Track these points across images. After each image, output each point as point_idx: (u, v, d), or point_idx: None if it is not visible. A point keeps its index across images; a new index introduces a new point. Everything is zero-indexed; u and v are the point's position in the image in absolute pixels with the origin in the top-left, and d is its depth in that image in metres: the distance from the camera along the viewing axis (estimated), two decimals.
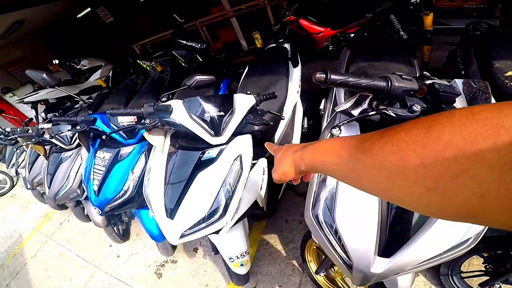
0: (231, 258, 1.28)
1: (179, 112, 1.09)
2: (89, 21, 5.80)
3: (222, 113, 1.11)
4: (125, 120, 1.44)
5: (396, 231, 0.74)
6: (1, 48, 5.54)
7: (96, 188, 1.46)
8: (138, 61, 4.37)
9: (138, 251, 2.34)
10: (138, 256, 2.30)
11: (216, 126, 1.10)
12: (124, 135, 1.48)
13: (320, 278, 1.43)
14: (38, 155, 2.41)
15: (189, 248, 2.15)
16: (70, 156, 1.91)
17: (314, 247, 1.39)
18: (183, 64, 3.35)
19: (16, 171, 3.21)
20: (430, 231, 0.70)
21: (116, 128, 1.44)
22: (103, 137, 1.58)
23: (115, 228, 2.27)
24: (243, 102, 1.17)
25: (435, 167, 0.19)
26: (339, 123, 0.78)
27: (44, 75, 1.32)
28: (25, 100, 4.15)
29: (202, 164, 1.11)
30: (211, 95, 1.15)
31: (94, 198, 1.46)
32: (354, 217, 0.77)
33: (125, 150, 1.49)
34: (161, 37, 5.28)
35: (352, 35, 3.44)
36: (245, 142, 1.15)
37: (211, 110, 1.10)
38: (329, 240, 0.80)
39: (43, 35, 6.28)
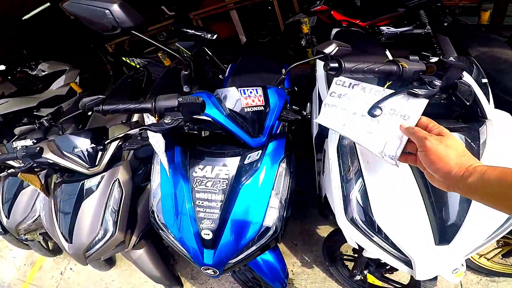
0: (456, 269, 0.90)
1: None
2: (45, 19, 4.76)
3: None
4: (253, 104, 0.87)
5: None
6: None
7: (209, 237, 0.82)
8: (124, 58, 3.61)
9: None
10: None
11: None
12: (249, 130, 0.88)
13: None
14: (18, 191, 1.56)
15: None
16: (97, 185, 1.16)
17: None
18: (185, 56, 2.80)
19: None
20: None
21: (233, 114, 0.85)
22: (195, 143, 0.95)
23: None
24: None
25: None
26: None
27: None
28: None
29: None
30: None
31: (206, 254, 0.81)
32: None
33: (252, 157, 0.88)
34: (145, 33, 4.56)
35: (384, 27, 3.34)
36: None
37: None
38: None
39: None
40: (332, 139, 0.86)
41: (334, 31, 2.04)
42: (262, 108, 0.91)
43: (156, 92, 2.21)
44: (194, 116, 0.81)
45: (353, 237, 0.81)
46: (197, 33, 2.75)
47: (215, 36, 2.69)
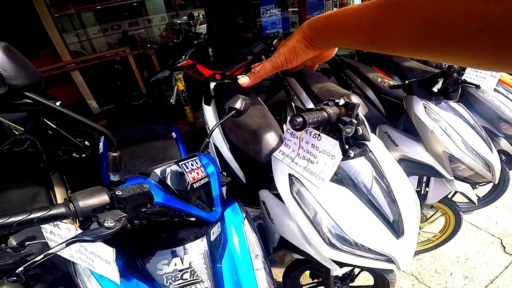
0: None
1: None
2: None
3: None
4: (198, 177, 0.82)
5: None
6: None
7: None
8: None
9: None
10: None
11: None
12: (203, 205, 0.83)
13: None
14: None
15: None
16: None
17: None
18: (17, 134, 2.25)
19: None
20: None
21: (183, 194, 0.78)
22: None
23: None
24: None
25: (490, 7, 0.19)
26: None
27: None
28: None
29: None
30: None
31: None
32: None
33: (215, 232, 0.84)
34: None
35: (240, 76, 3.98)
36: None
37: None
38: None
39: None
40: (282, 189, 0.96)
41: (212, 85, 2.25)
42: (206, 179, 0.89)
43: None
44: (143, 210, 0.69)
45: (339, 258, 0.92)
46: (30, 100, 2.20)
47: (58, 103, 2.26)
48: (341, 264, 1.02)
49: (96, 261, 0.72)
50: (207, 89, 2.21)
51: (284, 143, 0.99)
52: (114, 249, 0.66)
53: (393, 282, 1.23)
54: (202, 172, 0.87)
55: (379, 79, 2.23)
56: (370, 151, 1.01)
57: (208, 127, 1.86)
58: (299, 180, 0.93)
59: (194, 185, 0.82)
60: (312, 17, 0.41)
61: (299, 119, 0.75)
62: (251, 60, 4.02)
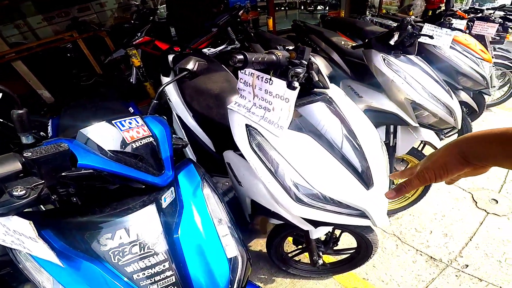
0: None
1: None
2: None
3: None
4: (139, 136, 0.70)
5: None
6: None
7: None
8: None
9: None
10: None
11: None
12: (149, 168, 0.71)
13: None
14: None
15: None
16: None
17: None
18: None
19: None
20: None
21: (120, 156, 0.67)
22: None
23: None
24: None
25: None
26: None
27: None
28: None
29: None
30: None
31: None
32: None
33: (168, 198, 0.73)
34: None
35: (205, 49, 3.77)
36: None
37: None
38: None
39: None
40: (241, 142, 0.87)
41: (171, 57, 2.08)
42: (151, 139, 0.77)
43: None
44: (63, 174, 0.56)
45: (309, 216, 0.84)
46: None
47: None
48: (315, 224, 0.96)
49: (26, 241, 0.59)
50: (165, 61, 2.03)
51: (239, 94, 0.89)
52: (31, 221, 0.54)
53: (375, 242, 1.19)
54: (145, 131, 0.76)
55: (343, 42, 2.19)
56: (330, 98, 0.95)
57: (168, 99, 1.71)
58: (257, 130, 0.84)
59: (133, 144, 0.70)
60: (469, 133, 0.39)
61: (240, 56, 0.67)
62: (216, 32, 3.79)
